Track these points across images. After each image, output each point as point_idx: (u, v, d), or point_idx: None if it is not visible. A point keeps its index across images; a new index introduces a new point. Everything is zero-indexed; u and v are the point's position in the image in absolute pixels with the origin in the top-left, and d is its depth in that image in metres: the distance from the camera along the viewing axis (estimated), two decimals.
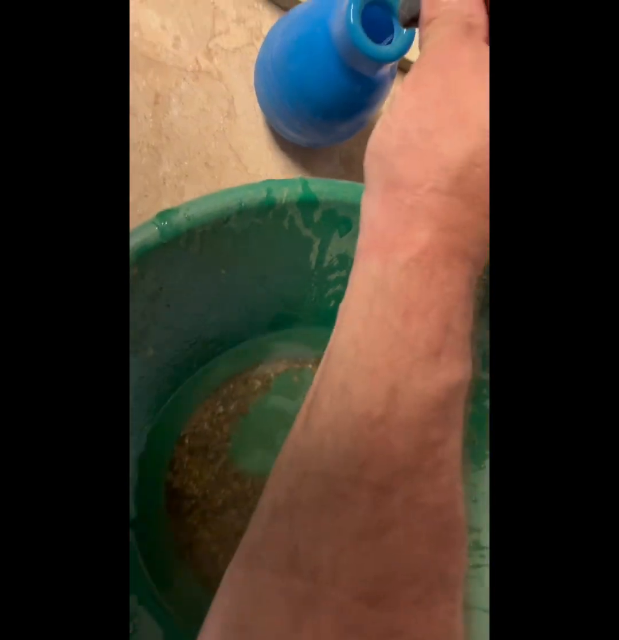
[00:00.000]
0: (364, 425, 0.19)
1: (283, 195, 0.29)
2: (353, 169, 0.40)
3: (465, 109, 0.19)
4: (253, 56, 0.37)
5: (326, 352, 0.21)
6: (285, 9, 0.37)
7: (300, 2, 0.36)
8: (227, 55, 0.36)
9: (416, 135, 0.20)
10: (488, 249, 0.20)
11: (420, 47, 0.22)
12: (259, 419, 0.36)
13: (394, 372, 0.19)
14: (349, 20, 0.26)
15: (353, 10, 0.26)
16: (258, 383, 0.36)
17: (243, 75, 0.37)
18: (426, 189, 0.20)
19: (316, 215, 0.31)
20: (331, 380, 0.20)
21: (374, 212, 0.21)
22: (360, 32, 0.26)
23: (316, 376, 0.21)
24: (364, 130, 0.34)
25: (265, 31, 0.37)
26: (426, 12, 0.22)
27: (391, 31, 0.28)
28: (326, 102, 0.31)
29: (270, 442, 0.35)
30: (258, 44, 0.37)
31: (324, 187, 0.30)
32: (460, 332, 0.20)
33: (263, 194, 0.29)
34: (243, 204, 0.28)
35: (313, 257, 0.33)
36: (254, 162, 0.37)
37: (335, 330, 0.21)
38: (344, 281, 0.34)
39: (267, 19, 0.37)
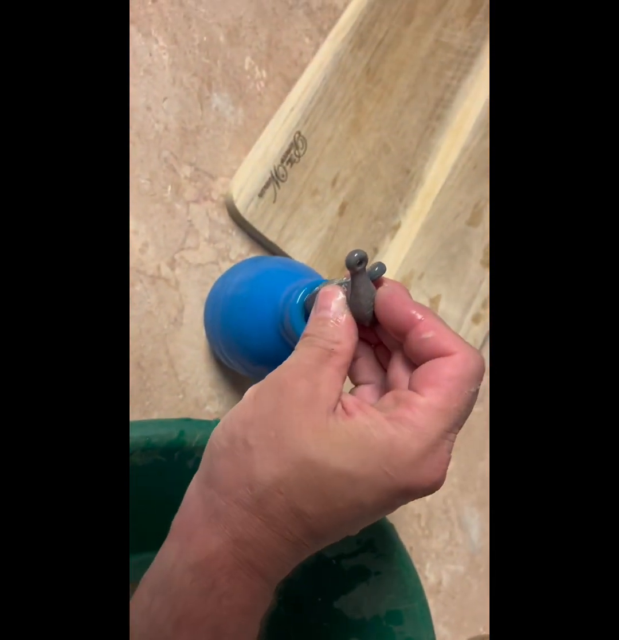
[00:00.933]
0: None
1: (195, 437, 0.29)
2: None
3: (284, 438, 0.21)
4: (215, 274, 0.39)
5: None
6: (255, 239, 0.40)
7: (270, 242, 0.39)
8: (189, 268, 0.38)
9: (240, 445, 0.21)
10: (282, 567, 0.21)
11: None
12: None
13: None
14: (295, 303, 0.28)
15: (301, 296, 0.28)
16: None
17: (199, 288, 0.38)
18: (231, 499, 0.21)
19: None
20: None
21: (191, 496, 0.22)
22: (300, 319, 0.28)
23: None
24: None
25: (233, 254, 0.39)
26: (308, 327, 0.24)
27: None
28: (258, 354, 0.32)
29: None
30: (223, 264, 0.39)
31: None
32: None
33: (175, 435, 0.29)
34: (150, 442, 0.28)
35: None
36: (186, 371, 0.38)
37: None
38: None
39: (237, 245, 0.40)
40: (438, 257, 0.45)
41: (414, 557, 0.42)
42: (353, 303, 0.23)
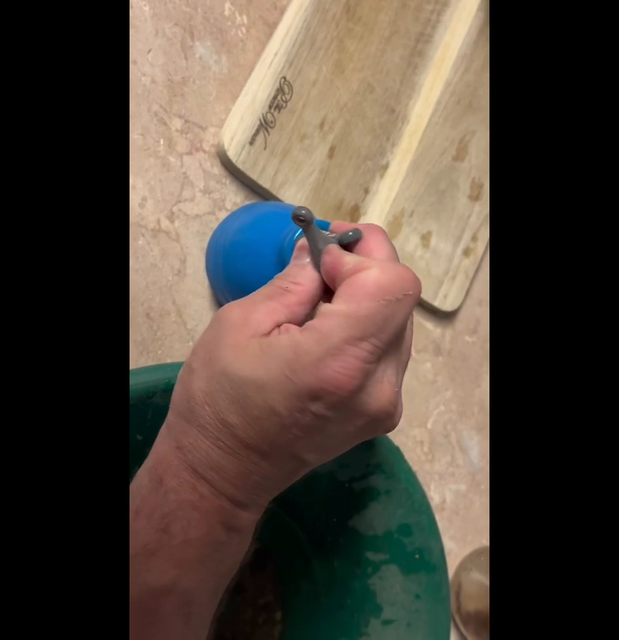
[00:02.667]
0: None
1: None
2: None
3: (213, 358, 0.23)
4: (212, 224, 0.40)
5: None
6: (248, 187, 0.41)
7: (264, 188, 0.40)
8: (187, 220, 0.39)
9: (186, 369, 0.25)
10: (223, 475, 0.24)
11: None
12: None
13: None
14: (287, 243, 0.30)
15: (296, 236, 0.30)
16: None
17: (199, 239, 0.39)
18: (176, 413, 0.24)
19: None
20: None
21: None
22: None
23: None
24: None
25: (228, 204, 0.40)
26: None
27: None
28: None
29: None
30: (219, 214, 0.40)
31: None
32: (179, 537, 0.23)
33: None
34: (170, 383, 0.30)
35: None
36: (194, 319, 0.39)
37: None
38: None
39: (231, 194, 0.41)
40: (427, 194, 0.47)
41: (419, 480, 0.45)
42: (311, 256, 0.25)
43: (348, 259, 0.23)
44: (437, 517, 0.46)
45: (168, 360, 0.38)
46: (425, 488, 0.50)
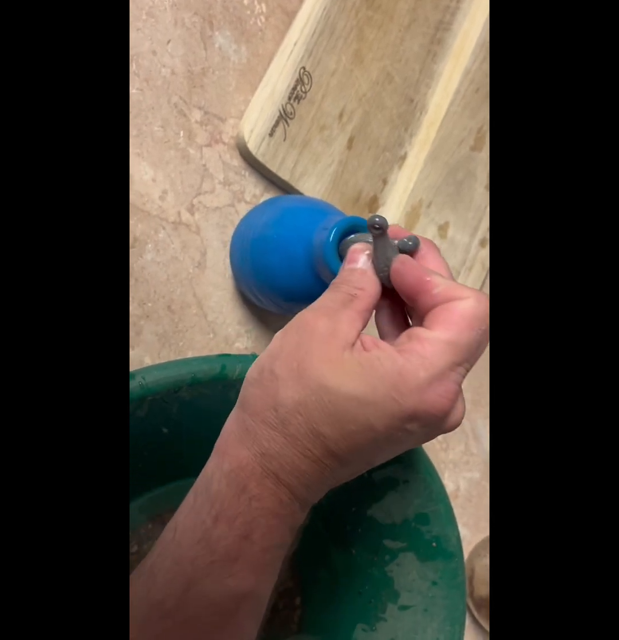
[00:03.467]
0: (155, 615, 0.22)
1: (235, 371, 0.32)
2: None
3: (304, 368, 0.23)
4: (232, 216, 0.40)
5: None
6: (268, 179, 0.41)
7: (283, 180, 0.40)
8: (207, 212, 0.39)
9: (267, 375, 0.24)
10: (307, 484, 0.24)
11: None
12: None
13: (194, 568, 0.23)
14: (328, 242, 0.30)
15: (333, 235, 0.30)
16: None
17: (219, 231, 0.39)
18: (259, 419, 0.24)
19: None
20: (147, 560, 0.24)
21: (228, 421, 0.25)
22: (334, 256, 0.30)
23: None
24: None
25: (247, 196, 0.40)
26: (337, 276, 0.27)
27: None
28: (291, 292, 0.34)
29: None
30: (239, 206, 0.40)
31: None
32: (260, 544, 0.23)
33: (217, 370, 0.31)
34: (196, 378, 0.30)
35: None
36: (214, 311, 0.40)
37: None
38: None
39: (251, 186, 0.41)
40: (445, 185, 0.46)
41: (436, 467, 0.46)
42: (374, 261, 0.26)
43: (438, 280, 0.24)
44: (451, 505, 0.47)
45: (190, 352, 0.39)
46: (440, 476, 0.50)
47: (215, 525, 0.23)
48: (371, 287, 0.25)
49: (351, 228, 0.30)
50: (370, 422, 0.22)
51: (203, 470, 0.25)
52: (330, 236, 0.29)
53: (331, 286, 0.26)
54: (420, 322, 0.25)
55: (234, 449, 0.24)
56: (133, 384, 0.29)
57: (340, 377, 0.23)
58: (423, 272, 0.24)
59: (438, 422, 0.23)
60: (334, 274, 0.30)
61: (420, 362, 0.22)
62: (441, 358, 0.22)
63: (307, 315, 0.25)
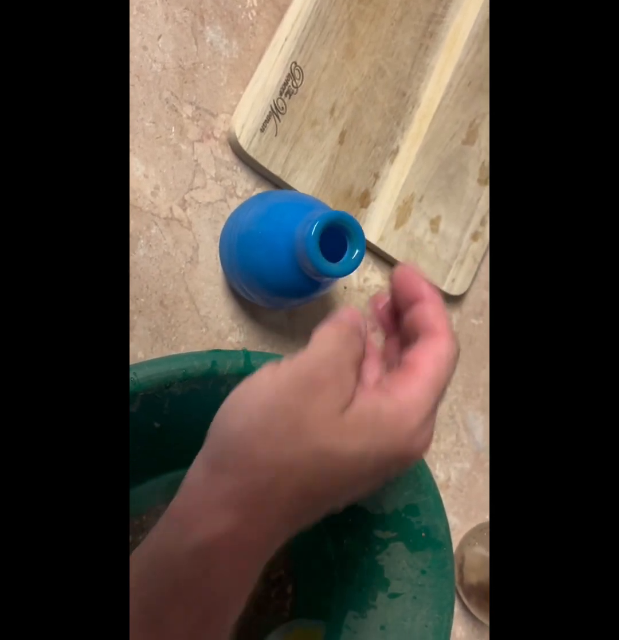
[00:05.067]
0: None
1: (226, 367, 0.32)
2: (296, 320, 0.44)
3: (301, 429, 0.21)
4: (224, 211, 0.40)
5: None
6: (259, 174, 0.41)
7: (275, 176, 0.40)
8: (199, 208, 0.39)
9: (257, 432, 0.21)
10: (277, 545, 0.22)
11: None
12: None
13: None
14: (309, 236, 0.30)
15: (314, 229, 0.30)
16: None
17: (211, 226, 0.40)
18: (241, 480, 0.21)
19: None
20: None
21: (197, 478, 0.22)
22: (316, 250, 0.30)
23: None
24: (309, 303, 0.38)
25: (239, 191, 0.41)
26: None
27: (345, 250, 0.32)
28: (277, 287, 0.34)
29: None
30: (231, 201, 0.40)
31: (264, 362, 0.33)
32: (218, 626, 0.21)
33: (208, 365, 0.32)
34: (187, 373, 0.31)
35: None
36: (206, 306, 0.40)
37: None
38: None
39: (242, 181, 0.41)
40: (436, 178, 0.47)
41: (425, 458, 0.46)
42: None
43: (429, 311, 0.24)
44: (442, 494, 0.47)
45: (183, 347, 0.39)
46: (431, 466, 0.51)
47: (170, 609, 0.20)
48: (363, 346, 0.25)
49: (333, 222, 0.30)
50: (361, 474, 0.22)
51: (158, 534, 0.22)
52: (311, 230, 0.30)
53: (324, 342, 0.24)
54: (404, 340, 0.25)
55: (208, 517, 0.21)
56: None
57: (339, 437, 0.21)
58: (424, 284, 0.24)
59: (413, 462, 0.23)
60: (316, 269, 0.31)
61: (414, 407, 0.22)
62: (429, 399, 0.22)
63: (303, 369, 0.22)
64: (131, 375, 0.29)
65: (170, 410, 0.32)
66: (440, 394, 0.23)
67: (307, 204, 0.35)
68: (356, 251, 0.31)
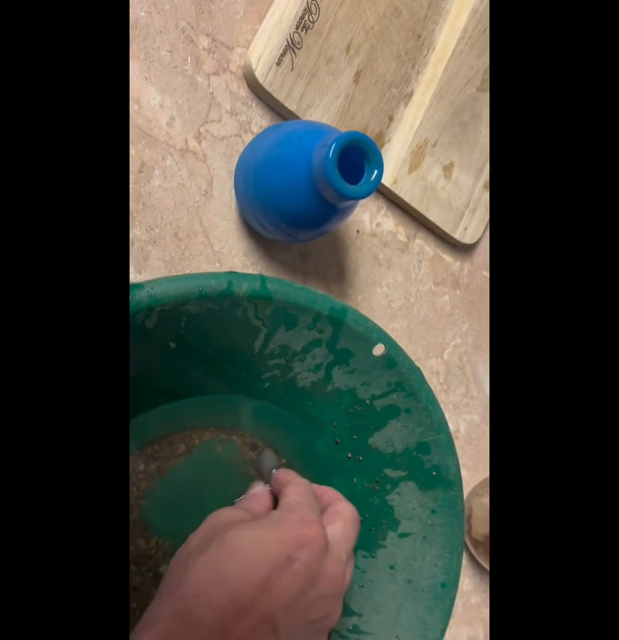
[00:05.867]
0: None
1: (242, 288, 0.32)
2: (308, 260, 0.43)
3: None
4: (238, 146, 0.40)
5: None
6: (274, 110, 0.41)
7: (290, 111, 0.40)
8: (214, 141, 0.39)
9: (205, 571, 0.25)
10: None
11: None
12: (176, 483, 0.37)
13: None
14: (328, 157, 0.30)
15: (333, 150, 0.30)
16: (182, 447, 0.38)
17: (226, 161, 0.40)
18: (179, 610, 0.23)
19: (268, 310, 0.34)
20: None
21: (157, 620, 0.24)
22: (335, 171, 0.30)
23: None
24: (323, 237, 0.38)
25: (254, 127, 0.41)
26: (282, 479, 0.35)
27: (363, 172, 0.32)
28: (294, 215, 0.34)
29: (183, 507, 0.37)
30: (245, 136, 0.40)
31: (280, 287, 0.33)
32: None
33: (224, 285, 0.31)
34: (203, 292, 0.31)
35: (257, 343, 0.36)
36: (220, 241, 0.40)
37: None
38: (281, 367, 0.37)
39: (257, 117, 0.41)
40: (450, 125, 0.46)
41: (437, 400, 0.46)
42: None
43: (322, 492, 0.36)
44: None
45: None
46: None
47: None
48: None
49: (351, 143, 0.30)
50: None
51: None
52: (329, 151, 0.29)
53: (284, 489, 0.33)
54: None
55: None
56: (142, 294, 0.29)
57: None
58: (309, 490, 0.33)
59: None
60: (336, 191, 0.31)
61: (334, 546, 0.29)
62: (348, 550, 0.31)
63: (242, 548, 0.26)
64: (148, 289, 0.29)
65: (185, 329, 0.32)
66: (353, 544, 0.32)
67: (324, 129, 0.35)
68: (375, 172, 0.31)
